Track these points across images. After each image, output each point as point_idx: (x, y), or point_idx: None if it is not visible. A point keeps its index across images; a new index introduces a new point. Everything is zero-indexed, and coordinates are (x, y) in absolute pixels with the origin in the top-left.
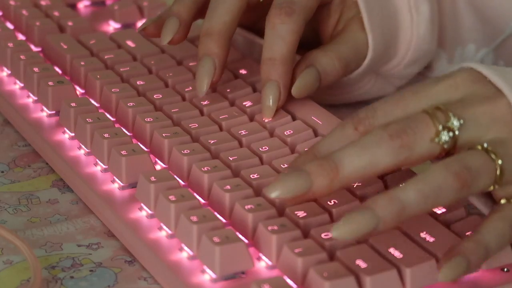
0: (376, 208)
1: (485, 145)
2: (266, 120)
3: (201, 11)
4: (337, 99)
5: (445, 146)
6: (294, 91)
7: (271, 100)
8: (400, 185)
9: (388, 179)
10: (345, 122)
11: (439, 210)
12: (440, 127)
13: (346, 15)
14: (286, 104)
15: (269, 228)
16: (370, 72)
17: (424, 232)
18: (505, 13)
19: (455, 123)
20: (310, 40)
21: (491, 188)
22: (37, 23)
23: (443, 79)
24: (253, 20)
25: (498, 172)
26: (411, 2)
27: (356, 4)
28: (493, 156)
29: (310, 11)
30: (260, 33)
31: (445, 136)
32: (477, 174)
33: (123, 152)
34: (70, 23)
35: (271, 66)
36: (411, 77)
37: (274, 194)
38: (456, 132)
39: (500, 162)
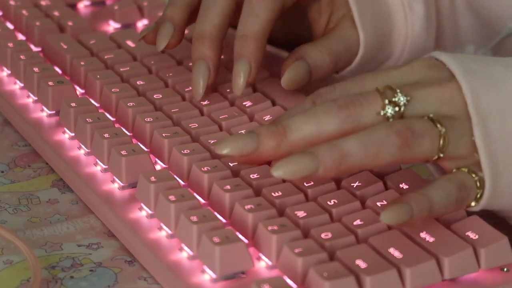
0: (317, 153)
1: (431, 115)
2: (237, 94)
3: (194, 14)
4: None
5: (391, 119)
6: (284, 82)
7: (241, 77)
8: (343, 137)
9: (388, 179)
10: (306, 97)
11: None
12: (386, 101)
13: (337, 14)
14: (286, 104)
15: (269, 228)
16: (364, 70)
17: (424, 232)
18: (502, 14)
19: (402, 99)
20: (303, 40)
21: (435, 157)
22: (37, 23)
23: (404, 64)
24: None
25: (441, 141)
26: (405, 1)
27: (346, 3)
28: (438, 125)
29: None
30: None
31: (390, 110)
32: (419, 136)
33: (123, 152)
34: (70, 23)
35: (243, 43)
36: None
37: (223, 150)
38: (402, 108)
39: (443, 130)
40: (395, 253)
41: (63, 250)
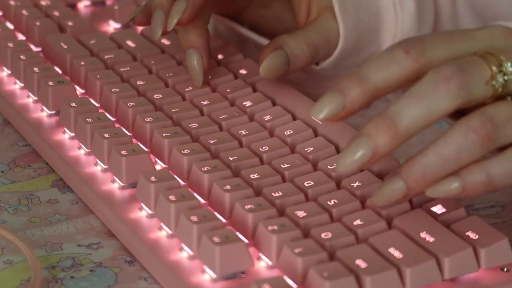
0: (401, 176)
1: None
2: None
3: None
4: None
5: (500, 89)
6: (262, 71)
7: (175, 13)
8: (420, 151)
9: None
10: (392, 46)
11: (439, 210)
12: (496, 70)
13: (318, 5)
14: (286, 103)
15: (269, 228)
16: (346, 64)
17: (424, 232)
18: (502, 14)
19: (509, 67)
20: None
21: None
22: (37, 23)
23: (482, 29)
24: (236, 10)
25: None
26: None
27: None
28: None
29: None
30: (245, 23)
31: (501, 79)
32: (501, 124)
33: (123, 152)
34: (70, 23)
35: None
36: None
37: (344, 168)
38: (510, 76)
39: None
40: (395, 253)
41: (63, 250)
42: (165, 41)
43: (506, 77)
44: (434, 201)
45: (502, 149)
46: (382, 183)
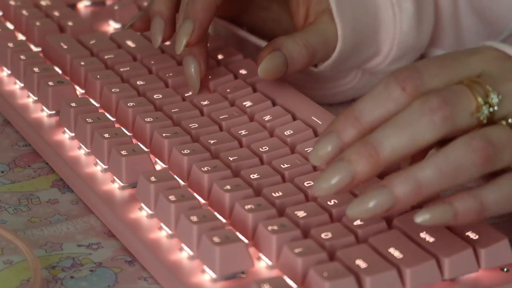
0: (392, 187)
1: (510, 120)
2: (177, 53)
3: (179, 3)
4: (325, 94)
5: (484, 121)
6: (260, 72)
7: (183, 35)
8: (418, 163)
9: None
10: (387, 80)
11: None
12: (482, 102)
13: (316, 7)
14: (286, 104)
15: (269, 228)
16: (345, 65)
17: (424, 232)
18: (504, 14)
19: (495, 98)
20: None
21: None
22: (37, 23)
23: (474, 52)
24: (235, 12)
25: None
26: None
27: None
28: None
29: None
30: (244, 25)
31: (486, 111)
32: (500, 148)
33: (123, 152)
34: (70, 23)
35: (190, 5)
36: None
37: (320, 192)
38: (495, 108)
39: None
40: (395, 253)
41: (63, 250)
42: None
43: (491, 109)
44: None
45: (492, 174)
46: (363, 194)
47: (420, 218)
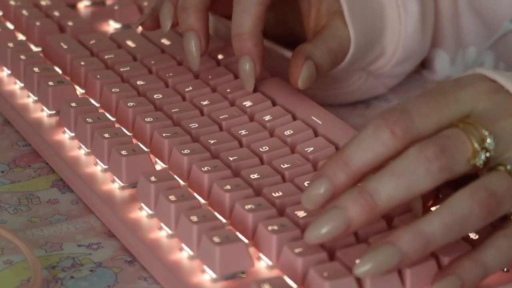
0: (400, 243)
1: (509, 167)
2: (250, 90)
3: None
4: (328, 95)
5: (481, 166)
6: (301, 84)
7: (248, 74)
8: (425, 217)
9: None
10: (377, 123)
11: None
12: (478, 148)
13: (327, 9)
14: (286, 103)
15: (269, 228)
16: (354, 67)
17: None
18: (502, 13)
19: (491, 143)
20: (297, 35)
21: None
22: (37, 23)
23: (466, 85)
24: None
25: None
26: (399, 1)
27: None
28: None
29: None
30: None
31: (483, 156)
32: (501, 199)
33: (123, 152)
34: (70, 23)
35: (240, 42)
36: (403, 76)
37: (313, 239)
38: (492, 153)
39: None
40: None
41: (63, 250)
42: (165, 41)
43: (487, 154)
44: (434, 201)
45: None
46: (371, 249)
47: None
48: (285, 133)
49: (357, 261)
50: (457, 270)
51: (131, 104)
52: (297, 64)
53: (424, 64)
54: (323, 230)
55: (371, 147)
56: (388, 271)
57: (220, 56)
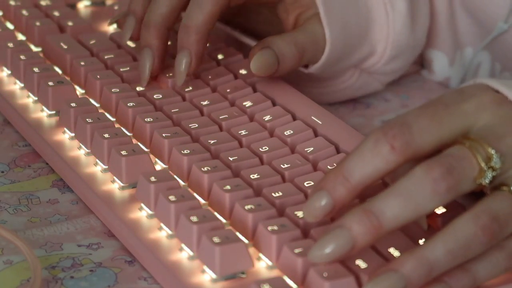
0: (404, 270)
1: None
2: (178, 84)
3: None
4: (323, 92)
5: (487, 185)
6: (252, 68)
7: (183, 66)
8: (428, 243)
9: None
10: (376, 136)
11: (439, 210)
12: (485, 167)
13: (306, 14)
14: (286, 104)
15: (269, 228)
16: (339, 66)
17: (424, 233)
18: (496, 14)
19: (497, 161)
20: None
21: None
22: (37, 23)
23: (469, 97)
24: (229, 15)
25: None
26: None
27: (314, 3)
28: None
29: None
30: (237, 27)
31: (490, 176)
32: (504, 223)
33: (123, 152)
34: (70, 23)
35: (184, 34)
36: (397, 73)
37: (316, 259)
38: (498, 171)
39: None
40: (395, 253)
41: (63, 250)
42: None
43: (494, 173)
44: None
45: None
46: (374, 276)
47: None
48: (285, 133)
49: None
50: (446, 277)
51: (131, 104)
52: (253, 51)
53: (423, 65)
54: (327, 250)
55: (370, 162)
56: None
57: (220, 56)
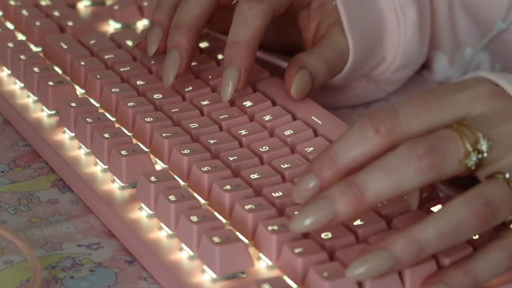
0: (394, 248)
1: (507, 175)
2: (224, 101)
3: None
4: (329, 101)
5: (473, 167)
6: (293, 92)
7: (230, 84)
8: (420, 224)
9: None
10: (363, 121)
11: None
12: (470, 149)
13: (327, 20)
14: (286, 103)
15: (269, 228)
16: (355, 75)
17: None
18: (491, 12)
19: (485, 145)
20: (293, 46)
21: (510, 218)
22: (37, 23)
23: (465, 88)
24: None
25: None
26: (397, 6)
27: (336, 9)
28: None
29: (280, 5)
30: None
31: (474, 158)
32: (498, 209)
33: (123, 152)
34: (70, 23)
35: (233, 49)
36: (402, 82)
37: (301, 227)
38: (485, 155)
39: None
40: None
41: (63, 250)
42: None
43: (480, 155)
44: (433, 201)
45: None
46: (364, 253)
47: None
48: (285, 133)
49: (350, 266)
50: (446, 278)
51: (131, 104)
52: (291, 73)
53: (424, 66)
54: (309, 220)
55: (355, 145)
56: (380, 275)
57: (220, 56)
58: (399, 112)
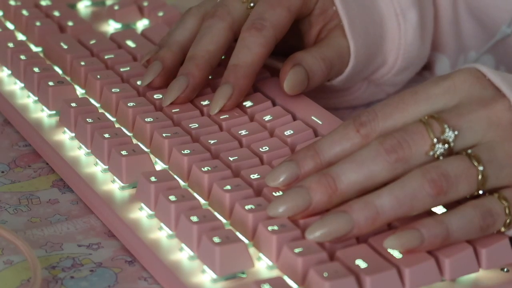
0: (351, 212)
1: (469, 151)
2: (211, 113)
3: (185, 56)
4: (330, 103)
5: (440, 157)
6: (286, 87)
7: (221, 98)
8: (376, 191)
9: None
10: (347, 122)
11: (439, 210)
12: (435, 140)
13: (329, 25)
14: (286, 104)
15: (269, 228)
16: (356, 78)
17: None
18: (497, 17)
19: (450, 134)
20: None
21: (475, 193)
22: (37, 23)
23: (442, 80)
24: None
25: (479, 178)
26: (398, 9)
27: (337, 14)
28: (475, 162)
29: (282, 29)
30: None
31: (440, 149)
32: (455, 181)
33: (123, 152)
34: (70, 23)
35: (231, 71)
36: (403, 84)
37: (276, 213)
38: (451, 144)
39: (481, 168)
40: (395, 253)
41: (63, 250)
42: None
43: (446, 145)
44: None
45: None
46: (323, 216)
47: (389, 243)
48: (285, 133)
49: (310, 227)
50: (419, 225)
51: (131, 104)
52: (285, 69)
53: (426, 67)
54: (284, 205)
55: (339, 142)
56: (338, 238)
57: None
58: (377, 114)
